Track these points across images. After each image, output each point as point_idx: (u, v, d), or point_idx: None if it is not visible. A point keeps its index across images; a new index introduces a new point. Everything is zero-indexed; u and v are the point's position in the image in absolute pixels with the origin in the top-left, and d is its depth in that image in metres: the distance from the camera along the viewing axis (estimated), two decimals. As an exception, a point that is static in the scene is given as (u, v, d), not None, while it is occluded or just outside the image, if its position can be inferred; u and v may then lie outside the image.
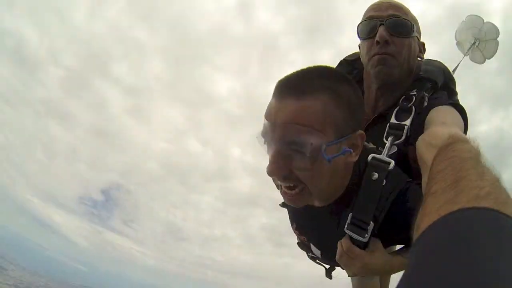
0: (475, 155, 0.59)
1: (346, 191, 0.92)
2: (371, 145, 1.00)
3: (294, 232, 1.21)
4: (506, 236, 0.37)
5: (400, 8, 1.15)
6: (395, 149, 0.98)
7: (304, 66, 0.87)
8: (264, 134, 0.83)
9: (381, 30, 1.10)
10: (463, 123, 1.03)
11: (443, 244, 0.37)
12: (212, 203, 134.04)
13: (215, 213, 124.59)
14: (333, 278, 1.29)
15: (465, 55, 3.25)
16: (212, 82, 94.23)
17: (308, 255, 1.26)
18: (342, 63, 1.39)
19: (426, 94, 1.10)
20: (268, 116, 0.82)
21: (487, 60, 3.43)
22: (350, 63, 1.36)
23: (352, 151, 0.82)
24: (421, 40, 1.22)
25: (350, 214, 0.91)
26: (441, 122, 0.97)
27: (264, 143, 0.85)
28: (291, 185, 0.85)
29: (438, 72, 1.21)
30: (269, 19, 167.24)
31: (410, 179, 0.92)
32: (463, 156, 0.59)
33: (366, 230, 0.88)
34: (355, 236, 0.90)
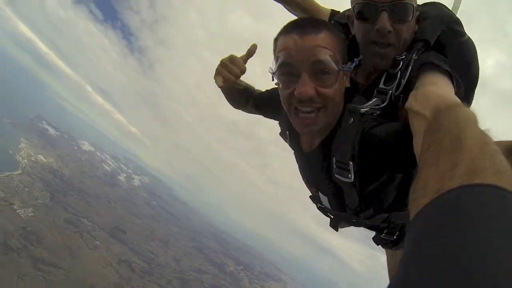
0: (472, 121, 0.56)
1: (331, 132, 1.05)
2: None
3: (306, 185, 1.33)
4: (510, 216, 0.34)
5: None
6: (378, 108, 1.02)
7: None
8: (282, 66, 0.99)
9: (383, 19, 1.05)
10: (453, 89, 1.00)
11: (442, 227, 0.35)
12: None
13: None
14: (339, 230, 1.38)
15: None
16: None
17: (317, 206, 1.34)
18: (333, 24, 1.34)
19: (414, 57, 1.08)
20: (288, 49, 0.97)
21: None
22: (340, 26, 1.30)
23: (357, 62, 1.04)
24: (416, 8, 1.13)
25: (334, 159, 1.00)
26: (430, 82, 0.96)
27: (278, 77, 1.01)
28: (311, 109, 0.98)
29: (433, 26, 1.14)
30: None
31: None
32: (460, 122, 0.56)
33: (348, 171, 0.97)
34: (342, 178, 0.99)
